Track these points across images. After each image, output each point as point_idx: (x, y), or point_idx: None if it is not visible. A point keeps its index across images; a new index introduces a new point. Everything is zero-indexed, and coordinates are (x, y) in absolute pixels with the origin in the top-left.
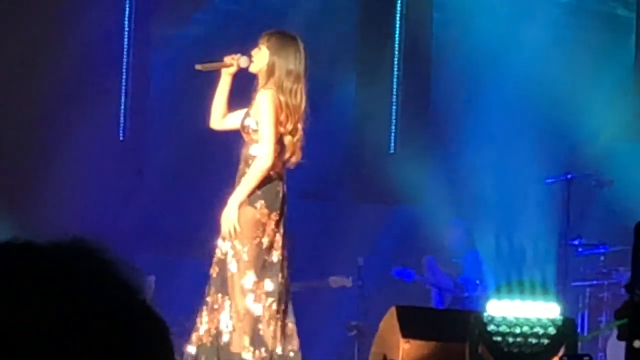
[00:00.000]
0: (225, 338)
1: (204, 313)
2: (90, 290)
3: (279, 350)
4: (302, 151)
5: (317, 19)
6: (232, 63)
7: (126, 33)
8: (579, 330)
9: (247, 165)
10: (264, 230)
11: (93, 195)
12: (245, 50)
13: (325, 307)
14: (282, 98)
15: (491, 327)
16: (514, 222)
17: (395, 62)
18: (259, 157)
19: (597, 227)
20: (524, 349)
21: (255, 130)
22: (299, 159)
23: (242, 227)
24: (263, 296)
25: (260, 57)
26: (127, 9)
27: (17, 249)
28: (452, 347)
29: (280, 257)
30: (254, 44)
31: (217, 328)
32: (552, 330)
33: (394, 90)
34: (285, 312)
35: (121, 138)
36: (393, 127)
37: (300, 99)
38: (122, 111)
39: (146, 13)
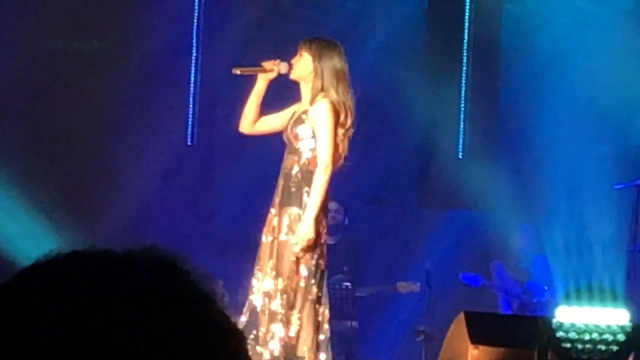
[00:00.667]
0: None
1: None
2: (172, 299)
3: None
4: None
5: (384, 25)
6: (272, 69)
7: (195, 37)
8: None
9: (290, 175)
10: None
11: (161, 201)
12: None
13: (393, 312)
14: (338, 99)
15: (560, 334)
16: (582, 227)
17: (464, 67)
18: (319, 171)
19: None
20: (593, 355)
21: (303, 139)
22: (344, 160)
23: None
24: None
25: (303, 65)
26: (197, 12)
27: (96, 258)
28: (520, 353)
29: (324, 266)
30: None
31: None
32: (621, 337)
33: (462, 95)
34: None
35: (189, 143)
36: (461, 132)
37: (350, 97)
38: (190, 116)
39: (215, 17)
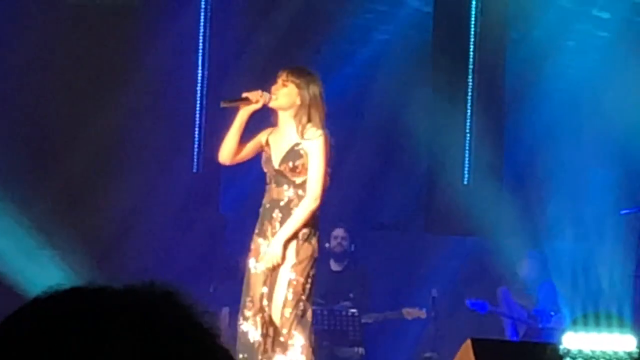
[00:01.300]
0: None
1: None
2: (170, 335)
3: None
4: None
5: (390, 49)
6: (257, 100)
7: (200, 63)
8: None
9: (289, 208)
10: (315, 264)
11: (168, 228)
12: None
13: (399, 339)
14: (327, 132)
15: None
16: (589, 253)
17: (469, 94)
18: (310, 199)
19: None
20: None
21: (301, 172)
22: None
23: (301, 263)
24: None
25: (287, 94)
26: (201, 39)
27: (95, 295)
28: None
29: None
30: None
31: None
32: None
33: (468, 121)
34: None
35: (195, 170)
36: (467, 158)
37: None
38: (197, 143)
39: (220, 44)
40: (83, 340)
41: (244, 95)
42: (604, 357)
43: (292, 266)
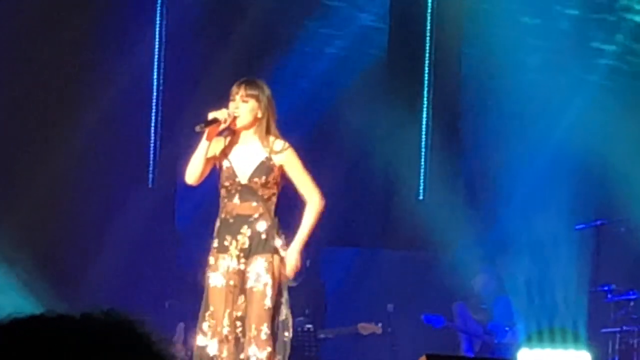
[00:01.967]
0: None
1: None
2: None
3: None
4: None
5: (344, 65)
6: (226, 119)
7: (155, 77)
8: None
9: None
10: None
11: (123, 243)
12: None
13: (355, 354)
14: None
15: None
16: (544, 268)
17: (424, 108)
18: (317, 201)
19: (627, 273)
20: None
21: (272, 187)
22: None
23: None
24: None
25: (250, 110)
26: (157, 54)
27: (53, 323)
28: None
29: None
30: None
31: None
32: None
33: (423, 136)
34: None
35: (150, 185)
36: (422, 174)
37: None
38: (152, 158)
39: (175, 61)
40: None
41: (212, 116)
42: None
43: (271, 285)
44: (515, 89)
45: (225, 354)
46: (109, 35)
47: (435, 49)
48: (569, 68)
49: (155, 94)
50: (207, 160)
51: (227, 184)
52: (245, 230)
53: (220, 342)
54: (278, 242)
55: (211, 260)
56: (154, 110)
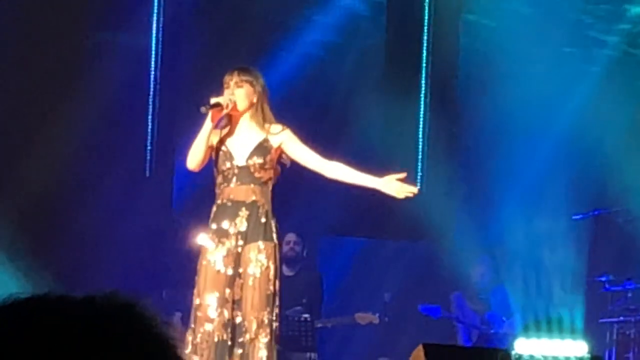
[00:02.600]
0: None
1: None
2: (130, 345)
3: None
4: None
5: (342, 56)
6: (228, 104)
7: (152, 66)
8: None
9: (257, 206)
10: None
11: (120, 232)
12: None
13: (352, 344)
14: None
15: None
16: (541, 258)
17: (422, 98)
18: (336, 161)
19: (624, 264)
20: None
21: (268, 169)
22: None
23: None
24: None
25: (246, 95)
26: (154, 43)
27: (55, 304)
28: None
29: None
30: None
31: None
32: None
33: (421, 127)
34: None
35: (147, 174)
36: (420, 164)
37: None
38: (149, 147)
39: (171, 48)
40: (38, 351)
41: (214, 100)
42: None
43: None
44: (514, 80)
45: (223, 337)
46: (105, 22)
47: (433, 37)
48: (569, 59)
49: (152, 82)
50: (208, 146)
51: (223, 167)
52: (243, 213)
53: (217, 325)
54: (274, 228)
55: (209, 244)
56: (150, 99)
